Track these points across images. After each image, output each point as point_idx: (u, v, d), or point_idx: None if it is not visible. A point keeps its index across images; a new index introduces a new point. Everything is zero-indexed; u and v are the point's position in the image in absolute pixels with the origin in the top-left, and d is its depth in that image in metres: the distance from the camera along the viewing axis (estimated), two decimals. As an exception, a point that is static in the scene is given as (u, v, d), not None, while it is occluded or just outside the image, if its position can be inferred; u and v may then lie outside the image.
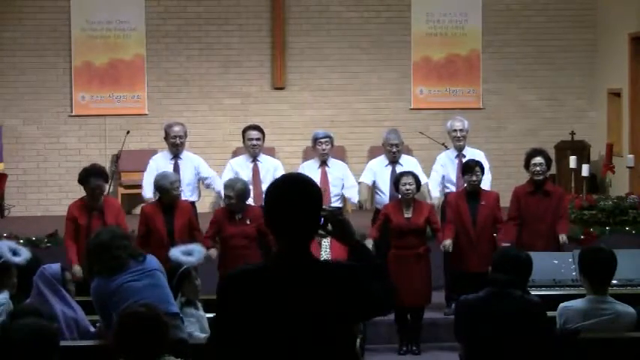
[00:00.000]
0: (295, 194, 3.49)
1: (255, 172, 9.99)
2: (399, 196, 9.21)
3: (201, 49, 13.94)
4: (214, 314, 3.65)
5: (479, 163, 9.35)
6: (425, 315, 9.04)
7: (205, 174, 10.08)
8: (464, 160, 9.69)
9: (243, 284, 3.49)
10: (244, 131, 10.14)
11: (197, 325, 6.69)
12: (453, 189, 9.87)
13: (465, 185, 9.33)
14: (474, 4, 14.20)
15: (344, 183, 10.04)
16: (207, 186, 10.15)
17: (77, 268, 8.51)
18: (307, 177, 3.62)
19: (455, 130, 10.14)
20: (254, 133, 10.04)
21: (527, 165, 9.43)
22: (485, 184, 9.71)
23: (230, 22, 13.97)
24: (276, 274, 3.46)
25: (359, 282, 3.49)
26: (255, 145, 10.00)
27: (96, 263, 6.20)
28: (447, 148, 11.61)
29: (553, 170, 13.03)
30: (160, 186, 8.92)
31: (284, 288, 3.43)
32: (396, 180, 9.23)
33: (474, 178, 9.17)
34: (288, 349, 3.41)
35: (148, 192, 9.64)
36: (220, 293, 3.54)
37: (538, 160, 9.35)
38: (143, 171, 10.52)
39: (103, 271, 6.13)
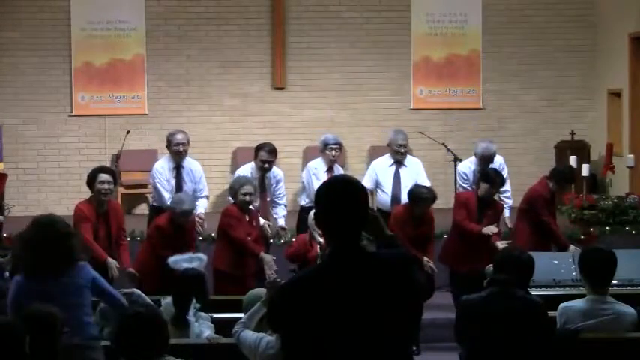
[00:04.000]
0: (348, 195, 3.66)
1: (262, 187, 9.94)
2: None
3: (201, 49, 13.93)
4: (280, 329, 3.75)
5: (501, 177, 9.46)
6: (425, 315, 9.00)
7: (201, 185, 10.02)
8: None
9: (307, 291, 3.61)
10: (257, 150, 9.97)
11: (212, 327, 6.74)
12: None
13: (479, 192, 9.36)
14: (474, 4, 14.20)
15: None
16: (195, 194, 9.97)
17: (112, 261, 8.53)
18: (354, 178, 3.82)
19: (484, 157, 10.18)
20: (265, 156, 9.85)
21: (562, 189, 9.68)
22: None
23: (230, 22, 13.96)
24: (337, 273, 3.61)
25: (410, 270, 3.71)
26: (267, 168, 9.91)
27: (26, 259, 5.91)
28: (447, 148, 11.65)
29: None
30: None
31: (347, 285, 3.58)
32: (415, 197, 9.17)
33: (494, 191, 9.30)
34: (358, 344, 3.54)
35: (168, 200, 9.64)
36: (285, 306, 3.64)
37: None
38: (143, 171, 10.58)
39: (28, 270, 5.84)
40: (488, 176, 9.37)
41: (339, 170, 10.33)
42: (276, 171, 10.14)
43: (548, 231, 9.36)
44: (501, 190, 9.86)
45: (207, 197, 10.25)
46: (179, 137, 9.93)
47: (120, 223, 8.78)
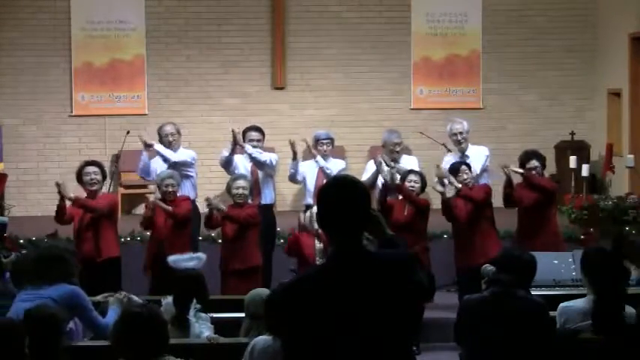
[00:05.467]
0: (349, 195, 3.67)
1: (255, 171, 10.10)
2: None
3: (201, 49, 13.93)
4: (280, 330, 3.75)
5: (464, 163, 9.50)
6: (425, 315, 9.00)
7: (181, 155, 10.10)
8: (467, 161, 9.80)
9: (308, 291, 3.62)
10: (245, 132, 10.23)
11: (212, 328, 6.73)
12: None
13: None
14: (474, 4, 14.19)
15: None
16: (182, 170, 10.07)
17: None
18: (355, 178, 3.83)
19: (455, 134, 10.18)
20: (254, 134, 10.15)
21: (522, 168, 9.53)
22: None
23: (230, 22, 13.95)
24: (338, 273, 3.61)
25: (412, 270, 3.71)
26: (256, 147, 10.10)
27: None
28: (447, 148, 11.64)
29: (553, 170, 13.04)
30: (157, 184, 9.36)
31: (348, 285, 3.59)
32: (403, 178, 9.32)
33: (465, 176, 9.30)
34: (359, 344, 3.55)
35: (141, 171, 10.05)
36: (286, 306, 3.64)
37: (533, 163, 9.46)
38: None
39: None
40: (453, 168, 9.47)
41: (330, 161, 10.34)
42: (272, 155, 10.31)
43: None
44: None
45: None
46: (167, 128, 10.16)
47: (102, 199, 9.07)
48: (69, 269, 6.10)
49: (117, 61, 13.77)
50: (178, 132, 10.19)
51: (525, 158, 9.59)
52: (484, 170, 10.15)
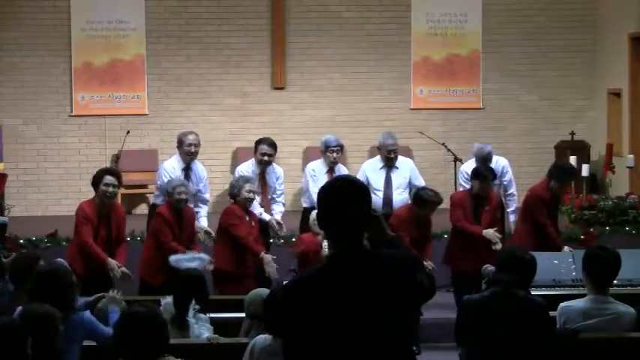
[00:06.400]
0: (349, 195, 3.68)
1: (263, 183, 9.93)
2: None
3: (201, 49, 13.93)
4: (281, 330, 3.78)
5: (491, 171, 9.56)
6: (425, 315, 9.04)
7: (202, 187, 10.00)
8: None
9: (308, 291, 3.63)
10: (257, 143, 9.96)
11: (211, 329, 6.73)
12: None
13: (473, 189, 9.42)
14: (474, 4, 14.20)
15: None
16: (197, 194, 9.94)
17: (112, 262, 8.52)
18: (356, 178, 3.85)
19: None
20: (266, 149, 9.85)
21: (563, 185, 9.57)
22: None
23: (230, 22, 13.96)
24: (338, 273, 3.62)
25: (413, 270, 3.72)
26: (267, 162, 9.86)
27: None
28: (447, 148, 11.66)
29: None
30: (165, 190, 9.07)
31: (349, 285, 3.59)
32: (421, 199, 9.17)
33: (486, 185, 9.38)
34: (360, 344, 3.56)
35: (159, 199, 9.72)
36: (287, 306, 3.66)
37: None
38: (143, 171, 10.58)
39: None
40: (478, 172, 9.47)
41: (340, 170, 10.28)
42: (276, 168, 10.13)
43: (544, 233, 9.38)
44: (507, 192, 10.02)
45: (207, 201, 10.19)
46: (191, 138, 9.88)
47: (120, 226, 8.80)
48: (72, 300, 5.94)
49: (117, 61, 13.77)
50: (199, 143, 9.95)
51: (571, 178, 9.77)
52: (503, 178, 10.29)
